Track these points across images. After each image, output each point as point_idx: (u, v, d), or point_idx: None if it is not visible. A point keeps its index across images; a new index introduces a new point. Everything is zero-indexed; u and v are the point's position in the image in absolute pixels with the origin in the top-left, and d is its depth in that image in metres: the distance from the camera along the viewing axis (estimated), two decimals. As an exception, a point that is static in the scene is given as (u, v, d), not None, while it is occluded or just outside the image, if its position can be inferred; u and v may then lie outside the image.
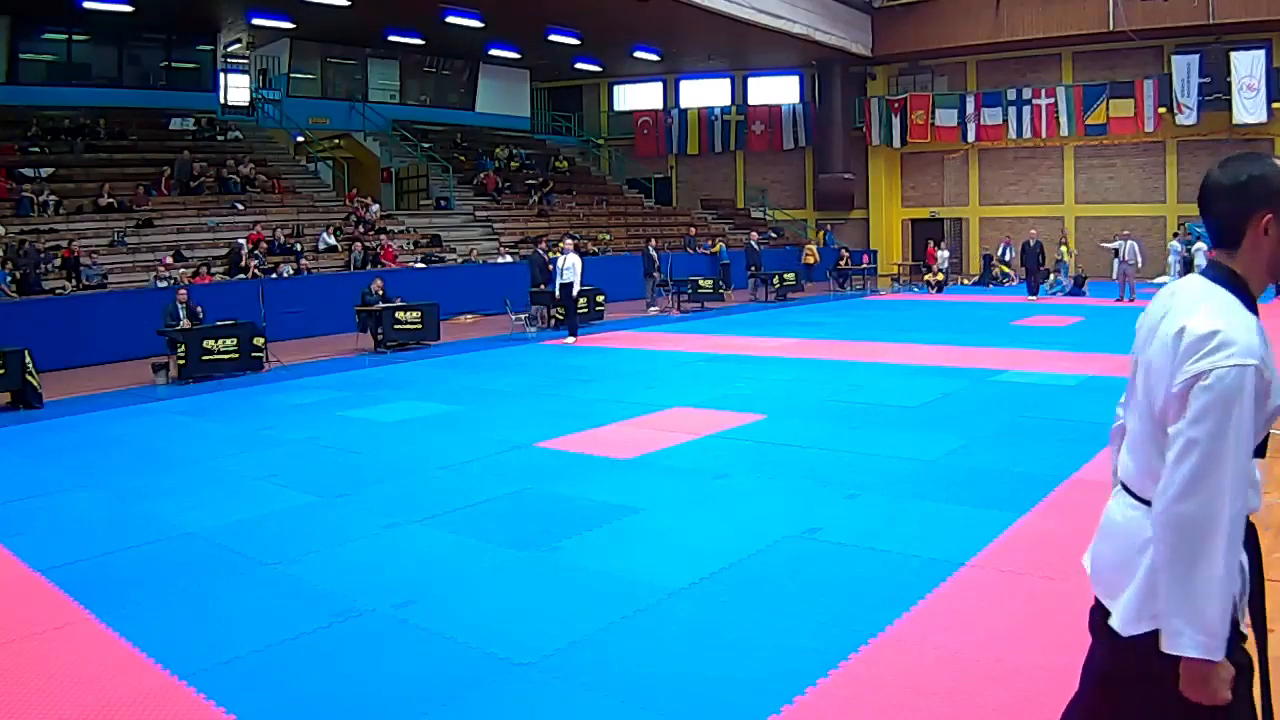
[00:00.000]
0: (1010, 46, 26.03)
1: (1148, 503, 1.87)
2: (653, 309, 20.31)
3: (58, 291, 15.02)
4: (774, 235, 29.75)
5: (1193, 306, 1.83)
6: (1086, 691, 2.08)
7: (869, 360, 12.10)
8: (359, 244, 19.53)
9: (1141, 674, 1.89)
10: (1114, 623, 1.91)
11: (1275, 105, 23.21)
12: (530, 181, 26.87)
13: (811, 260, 27.23)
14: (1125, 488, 1.99)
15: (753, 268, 23.21)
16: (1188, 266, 21.01)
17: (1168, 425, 1.81)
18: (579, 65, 29.93)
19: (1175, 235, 23.60)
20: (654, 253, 20.99)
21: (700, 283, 21.03)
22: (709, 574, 4.72)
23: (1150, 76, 24.59)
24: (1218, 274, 1.89)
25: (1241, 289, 1.86)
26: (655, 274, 20.71)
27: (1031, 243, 21.73)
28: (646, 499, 6.09)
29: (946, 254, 26.45)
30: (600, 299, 18.24)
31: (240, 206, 19.76)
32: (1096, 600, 2.02)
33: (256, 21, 22.86)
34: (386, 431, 8.60)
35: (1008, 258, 24.14)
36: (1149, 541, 1.84)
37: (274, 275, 17.24)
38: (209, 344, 12.26)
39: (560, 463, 7.20)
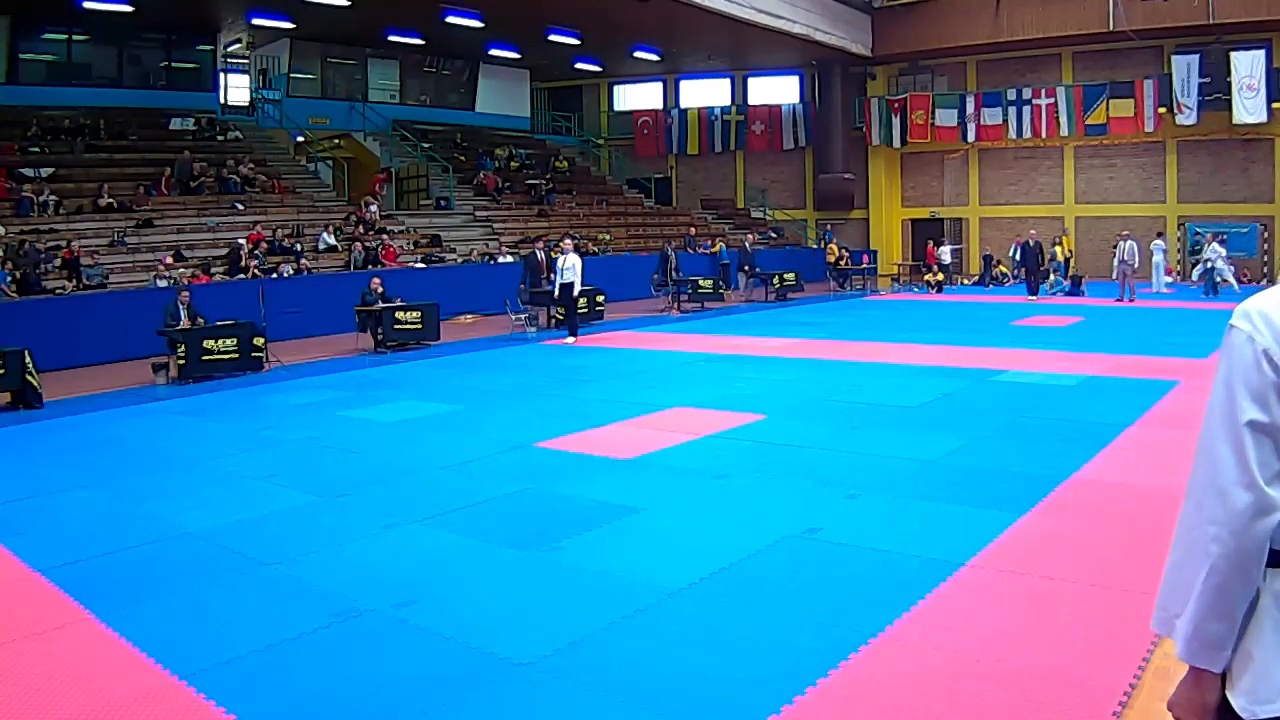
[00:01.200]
0: (1010, 46, 26.02)
1: None
2: (659, 308, 20.29)
3: (58, 291, 15.02)
4: (774, 235, 29.76)
5: None
6: None
7: (869, 360, 12.10)
8: (359, 244, 19.53)
9: None
10: None
11: (1275, 105, 23.20)
12: (530, 181, 26.88)
13: (833, 259, 27.27)
14: None
15: (745, 267, 23.19)
16: (1208, 271, 20.81)
17: None
18: (579, 65, 29.93)
19: (1160, 235, 23.51)
20: (672, 253, 20.92)
21: (700, 283, 21.03)
22: (709, 574, 4.72)
23: (1150, 76, 24.58)
24: None
25: None
26: (674, 274, 20.62)
27: (1031, 243, 21.73)
28: (646, 499, 6.09)
29: (949, 248, 26.47)
30: (600, 299, 18.24)
31: (240, 206, 19.76)
32: None
33: (256, 21, 22.86)
34: (386, 431, 8.60)
35: (1020, 258, 23.76)
36: None
37: (274, 275, 17.23)
38: (209, 344, 12.25)
39: (560, 463, 7.20)
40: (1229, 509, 1.54)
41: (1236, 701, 1.59)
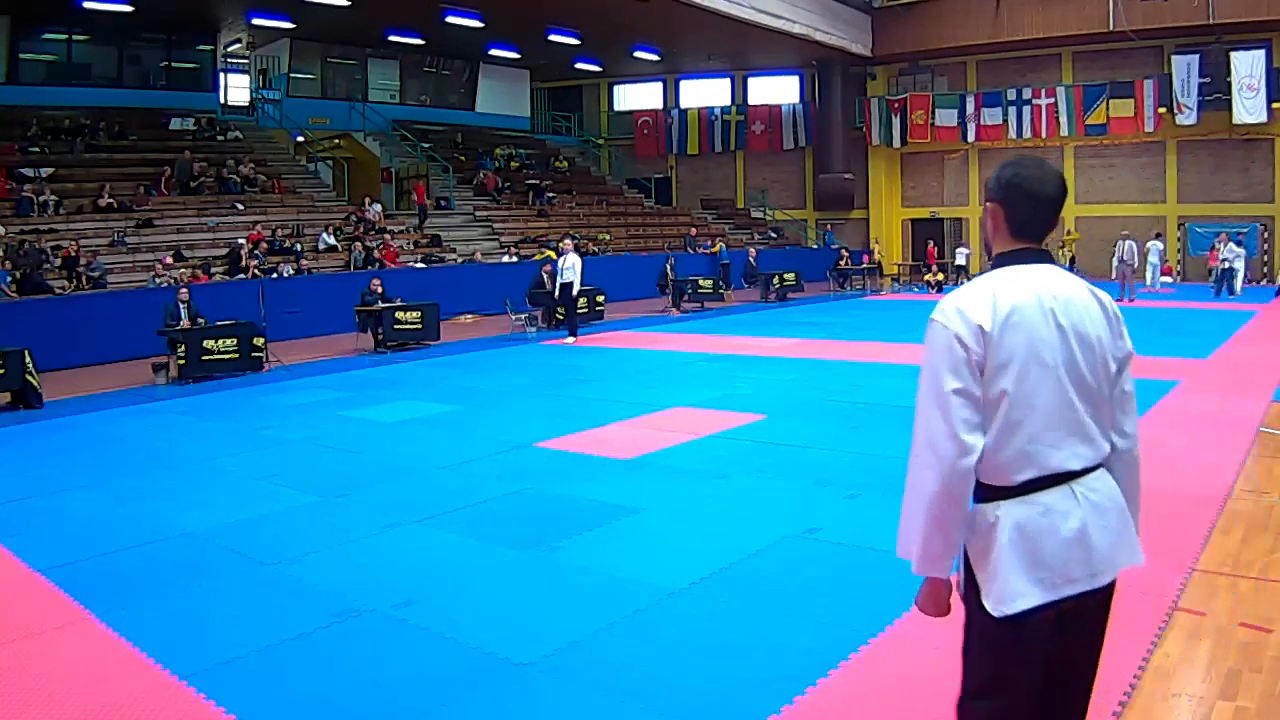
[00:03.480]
0: (1010, 46, 26.03)
1: (1100, 467, 2.16)
2: (659, 308, 20.25)
3: (58, 291, 15.02)
4: (774, 235, 29.77)
5: (1077, 284, 2.18)
6: (1090, 660, 2.26)
7: (869, 360, 12.10)
8: (359, 244, 19.53)
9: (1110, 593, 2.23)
10: (1130, 565, 2.20)
11: (1275, 105, 23.21)
12: (530, 181, 26.88)
13: (878, 258, 27.16)
14: (1092, 468, 2.14)
15: (760, 276, 23.15)
16: (1224, 272, 20.80)
17: (1116, 384, 2.17)
18: (579, 65, 29.94)
19: (1158, 235, 23.43)
20: (668, 267, 20.80)
21: (700, 283, 21.01)
22: (709, 574, 4.72)
23: (1150, 76, 24.59)
24: (1048, 255, 2.22)
25: None
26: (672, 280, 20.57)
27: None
28: (646, 499, 6.08)
29: (967, 251, 26.56)
30: (600, 299, 18.24)
31: (240, 206, 19.76)
32: (1073, 598, 2.11)
33: (256, 21, 22.87)
34: (386, 431, 8.60)
35: None
36: (1119, 490, 2.19)
37: (274, 275, 17.23)
38: (209, 344, 12.25)
39: (560, 463, 7.19)
40: (940, 456, 2.04)
41: (987, 603, 2.09)
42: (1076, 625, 2.16)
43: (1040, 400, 2.05)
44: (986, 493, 2.12)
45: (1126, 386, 2.20)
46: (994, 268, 2.20)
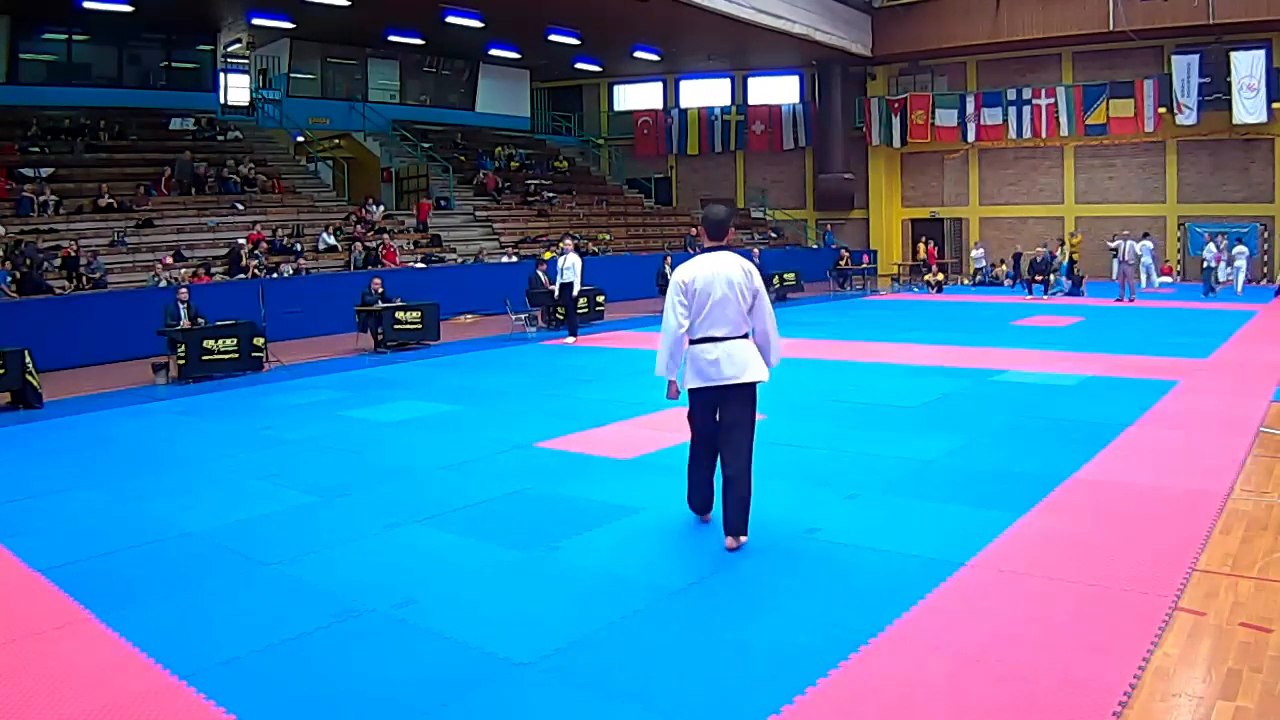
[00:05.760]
0: (1010, 46, 26.02)
1: (744, 336, 4.96)
2: (659, 308, 20.24)
3: (58, 291, 15.01)
4: (774, 235, 29.78)
5: (735, 259, 4.96)
6: (735, 420, 4.98)
7: (869, 360, 12.10)
8: (359, 244, 19.53)
9: (752, 394, 5.00)
10: (755, 379, 4.93)
11: (1275, 105, 23.20)
12: (530, 181, 26.86)
13: (922, 257, 27.05)
14: (736, 336, 4.93)
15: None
16: (1208, 270, 21.00)
17: (749, 301, 4.97)
18: (579, 65, 29.92)
19: (1146, 235, 23.34)
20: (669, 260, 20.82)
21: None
22: (709, 574, 4.72)
23: (1150, 76, 24.58)
24: (727, 247, 5.06)
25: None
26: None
27: (1050, 255, 21.89)
28: (646, 499, 6.09)
29: (981, 251, 26.46)
30: (600, 299, 18.24)
31: (240, 206, 19.76)
32: (719, 387, 4.95)
33: (256, 21, 22.85)
34: (386, 431, 8.60)
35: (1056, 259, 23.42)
36: (753, 346, 5.01)
37: (274, 275, 17.23)
38: (209, 344, 12.25)
39: (560, 463, 7.20)
40: (669, 329, 5.02)
41: (685, 385, 5.08)
42: (728, 399, 4.96)
43: (706, 313, 4.90)
44: (691, 342, 4.95)
45: (758, 305, 5.00)
46: (700, 253, 5.04)
